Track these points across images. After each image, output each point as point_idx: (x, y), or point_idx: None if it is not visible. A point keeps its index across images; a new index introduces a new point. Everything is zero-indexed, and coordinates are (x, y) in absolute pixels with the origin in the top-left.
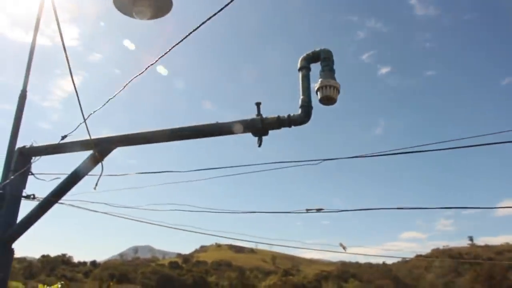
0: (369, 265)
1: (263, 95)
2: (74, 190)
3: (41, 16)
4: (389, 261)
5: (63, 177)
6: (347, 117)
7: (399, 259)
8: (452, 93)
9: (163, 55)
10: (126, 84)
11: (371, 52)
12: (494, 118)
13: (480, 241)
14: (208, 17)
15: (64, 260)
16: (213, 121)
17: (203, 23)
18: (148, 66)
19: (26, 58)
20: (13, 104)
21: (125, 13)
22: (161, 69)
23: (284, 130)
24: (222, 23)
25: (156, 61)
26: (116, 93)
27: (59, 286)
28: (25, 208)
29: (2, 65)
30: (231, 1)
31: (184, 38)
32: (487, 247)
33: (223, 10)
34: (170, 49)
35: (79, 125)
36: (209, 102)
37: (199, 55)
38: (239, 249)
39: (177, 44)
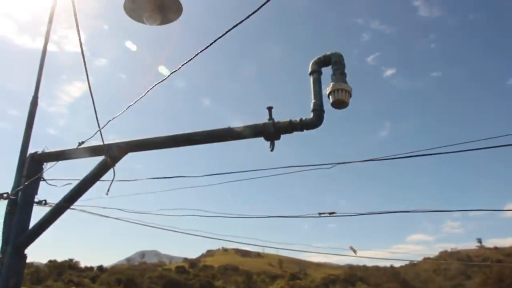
0: (377, 268)
1: (268, 97)
2: (84, 195)
3: (52, 23)
4: (397, 264)
5: (75, 183)
6: (352, 120)
7: (407, 262)
8: (458, 93)
9: (186, 62)
10: (147, 91)
11: (376, 54)
12: (500, 119)
13: (489, 243)
14: (235, 24)
15: (71, 265)
16: (215, 121)
17: (228, 31)
18: (171, 73)
19: (34, 64)
20: (21, 110)
21: (135, 19)
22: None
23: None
24: (225, 22)
25: (179, 68)
26: (136, 99)
27: None
28: (35, 213)
29: (10, 71)
30: (259, 8)
31: (208, 46)
32: (496, 249)
33: (228, 10)
34: (195, 56)
35: (96, 133)
36: (208, 100)
37: (199, 54)
38: (245, 253)
39: (201, 51)
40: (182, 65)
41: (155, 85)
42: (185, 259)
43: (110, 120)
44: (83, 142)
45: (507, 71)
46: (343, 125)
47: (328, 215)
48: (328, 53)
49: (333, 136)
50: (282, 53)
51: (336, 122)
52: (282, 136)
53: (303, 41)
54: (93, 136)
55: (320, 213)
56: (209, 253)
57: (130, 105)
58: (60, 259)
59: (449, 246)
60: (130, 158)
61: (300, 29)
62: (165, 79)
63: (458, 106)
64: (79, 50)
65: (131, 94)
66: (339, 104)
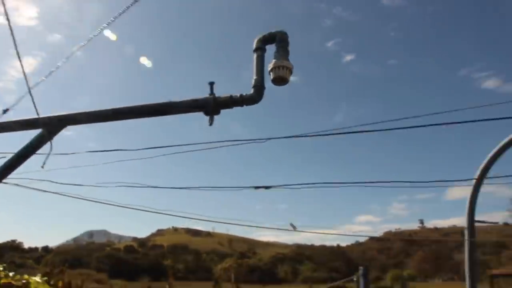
0: (324, 247)
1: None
2: (19, 169)
3: None
4: (344, 244)
5: (9, 156)
6: (308, 103)
7: (354, 242)
8: (413, 81)
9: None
10: (72, 54)
11: (337, 40)
12: (451, 106)
13: (431, 224)
14: None
15: (13, 246)
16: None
17: None
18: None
19: None
20: None
21: None
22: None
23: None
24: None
25: (107, 26)
26: (59, 64)
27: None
28: None
29: None
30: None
31: None
32: (435, 229)
33: None
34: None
35: (24, 95)
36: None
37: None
38: (196, 233)
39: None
40: (111, 21)
41: (80, 47)
42: (135, 239)
43: (38, 83)
44: (7, 110)
45: (460, 62)
46: (298, 107)
47: (264, 188)
48: (273, 30)
49: (288, 117)
50: (242, 36)
51: (292, 103)
52: (237, 116)
53: (263, 24)
54: (20, 100)
55: (256, 187)
56: (159, 232)
57: (53, 71)
58: (0, 240)
59: (394, 227)
60: (83, 136)
61: (261, 11)
62: (91, 39)
63: (412, 94)
64: (32, 24)
65: (127, 90)
66: (279, 81)
